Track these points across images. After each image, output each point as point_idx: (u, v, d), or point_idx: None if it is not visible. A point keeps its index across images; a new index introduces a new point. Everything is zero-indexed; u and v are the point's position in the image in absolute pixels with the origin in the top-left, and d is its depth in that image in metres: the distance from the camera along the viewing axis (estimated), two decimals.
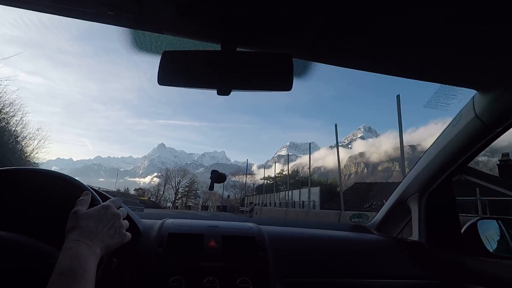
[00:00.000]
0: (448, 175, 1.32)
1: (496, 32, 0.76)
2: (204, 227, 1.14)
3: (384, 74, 1.03)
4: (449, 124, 1.25)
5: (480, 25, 0.74)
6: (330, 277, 1.11)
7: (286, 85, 0.79)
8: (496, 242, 1.27)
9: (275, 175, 48.70)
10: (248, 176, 58.38)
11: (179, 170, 71.09)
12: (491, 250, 1.23)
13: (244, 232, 1.15)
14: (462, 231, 1.32)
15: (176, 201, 63.12)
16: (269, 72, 0.80)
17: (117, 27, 0.81)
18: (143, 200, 46.89)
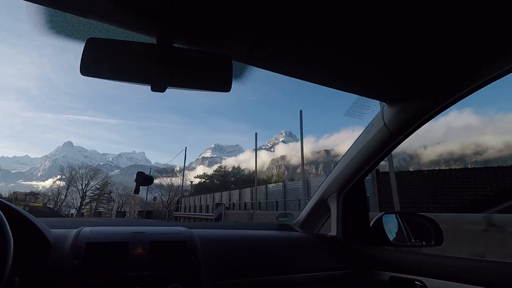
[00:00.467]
0: (361, 176, 1.50)
1: (401, 52, 0.92)
2: (129, 234, 1.06)
3: (313, 82, 1.11)
4: (363, 131, 1.43)
5: (389, 45, 0.88)
6: (260, 275, 1.15)
7: (224, 86, 0.78)
8: (395, 233, 1.49)
9: (213, 173, 44.23)
10: (173, 177, 49.20)
11: (89, 169, 57.37)
12: (392, 240, 1.44)
13: (174, 237, 1.11)
14: (370, 225, 1.51)
15: (83, 207, 49.74)
16: (208, 72, 0.78)
17: (29, 2, 0.70)
18: (35, 207, 37.29)
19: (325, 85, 1.15)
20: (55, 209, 45.79)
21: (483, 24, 0.78)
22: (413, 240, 1.50)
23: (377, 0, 0.70)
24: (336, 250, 1.39)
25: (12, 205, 0.90)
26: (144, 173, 1.16)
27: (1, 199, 0.86)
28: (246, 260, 1.17)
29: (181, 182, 38.30)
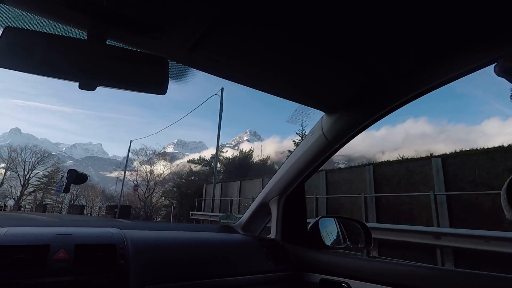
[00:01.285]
0: (301, 181, 1.55)
1: (337, 65, 0.96)
2: (52, 236, 0.99)
3: (255, 88, 1.12)
4: (305, 138, 1.48)
5: (325, 61, 0.92)
6: (194, 279, 1.12)
7: (160, 88, 0.75)
8: (332, 236, 1.57)
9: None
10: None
11: (35, 152, 44.46)
12: (328, 244, 1.51)
13: (103, 240, 1.05)
14: (308, 228, 1.57)
15: (24, 198, 39.32)
16: (143, 73, 0.74)
17: None
18: None
19: (266, 92, 1.16)
20: None
21: (418, 29, 0.81)
22: (348, 243, 1.58)
23: (316, 3, 0.72)
24: (273, 252, 1.41)
25: None
26: (76, 170, 1.10)
27: None
28: (181, 263, 1.13)
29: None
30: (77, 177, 1.12)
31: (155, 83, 0.75)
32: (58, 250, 0.94)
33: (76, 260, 0.94)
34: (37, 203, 38.50)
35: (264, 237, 1.63)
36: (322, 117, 1.37)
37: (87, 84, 0.73)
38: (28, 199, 39.71)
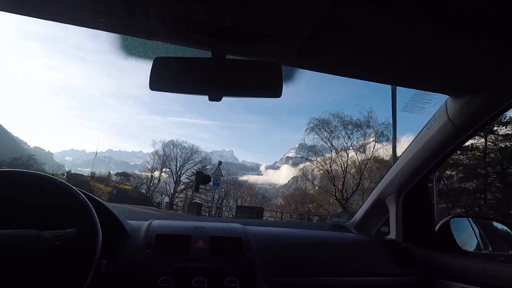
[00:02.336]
0: (423, 175, 1.39)
1: (467, 41, 0.83)
2: (191, 228, 1.16)
3: (365, 80, 1.09)
4: (424, 127, 1.32)
5: (452, 35, 0.81)
6: (312, 275, 1.14)
7: (275, 92, 0.81)
8: (467, 239, 1.33)
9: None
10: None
11: (185, 148, 42.16)
12: (462, 247, 1.30)
13: (230, 233, 1.18)
14: (436, 229, 1.38)
15: (177, 195, 37.93)
16: (259, 80, 0.81)
17: (107, 33, 0.83)
18: (124, 189, 32.49)
19: (379, 81, 1.09)
20: (147, 194, 37.84)
21: None
22: (490, 249, 1.31)
23: None
24: (395, 254, 1.30)
25: (98, 198, 1.05)
26: (202, 172, 1.32)
27: (87, 192, 0.97)
28: (299, 259, 1.18)
29: None
30: (203, 179, 1.27)
31: (270, 88, 0.81)
32: (197, 240, 1.09)
33: (211, 250, 1.07)
34: (188, 201, 37.58)
35: (383, 237, 1.53)
36: (446, 101, 1.20)
37: (215, 96, 0.82)
38: (180, 197, 38.83)
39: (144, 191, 38.31)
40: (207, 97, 0.83)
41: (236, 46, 0.81)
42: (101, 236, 0.84)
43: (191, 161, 40.39)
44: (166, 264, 1.00)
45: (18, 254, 0.75)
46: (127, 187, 35.87)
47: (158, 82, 0.80)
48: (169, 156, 40.86)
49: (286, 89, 0.88)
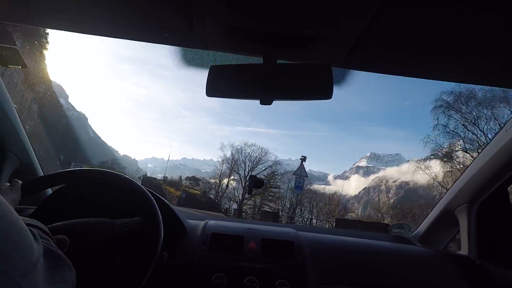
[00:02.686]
0: (502, 183, 1.19)
1: None
2: (244, 229, 1.19)
3: (426, 78, 0.95)
4: (502, 128, 1.14)
5: None
6: (368, 287, 1.09)
7: (326, 94, 0.80)
8: None
9: None
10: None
11: (254, 150, 38.01)
12: None
13: (283, 236, 1.18)
14: None
15: (245, 202, 34.33)
16: (309, 82, 0.82)
17: (167, 45, 0.89)
18: (193, 193, 31.74)
19: (439, 79, 0.95)
20: (216, 200, 35.42)
21: None
22: None
23: None
24: (468, 272, 1.16)
25: (162, 197, 1.13)
26: (255, 176, 1.34)
27: (154, 193, 1.06)
28: (355, 269, 1.13)
29: None
30: (256, 182, 1.28)
31: (321, 90, 0.81)
32: (250, 241, 1.12)
33: (263, 251, 1.10)
34: (257, 209, 33.00)
35: (453, 252, 1.36)
36: None
37: (266, 100, 0.85)
38: (248, 204, 34.72)
39: (212, 197, 36.51)
40: (259, 101, 0.86)
41: (286, 51, 0.82)
42: (162, 226, 0.91)
43: (261, 165, 36.49)
44: (220, 262, 1.05)
45: (95, 241, 0.84)
46: (196, 191, 34.44)
47: (214, 88, 0.85)
48: (238, 160, 37.46)
49: (338, 91, 0.88)
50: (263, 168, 36.29)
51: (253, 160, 37.06)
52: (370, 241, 1.33)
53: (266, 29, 0.73)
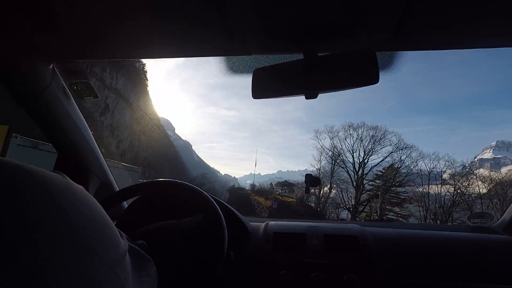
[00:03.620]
0: None
1: None
2: (305, 227, 1.21)
3: (478, 47, 0.85)
4: None
5: None
6: (447, 279, 1.04)
7: (372, 79, 0.77)
8: None
9: None
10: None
11: (368, 128, 25.38)
12: None
13: (345, 232, 1.18)
14: None
15: (362, 207, 23.84)
16: (353, 70, 0.79)
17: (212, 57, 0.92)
18: (286, 201, 25.15)
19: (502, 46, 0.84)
20: (318, 208, 26.28)
21: None
22: None
23: None
24: None
25: (226, 204, 1.18)
26: (311, 174, 1.23)
27: (215, 197, 1.09)
28: (428, 260, 1.09)
29: None
30: (313, 181, 1.22)
31: (366, 76, 0.77)
32: (312, 238, 1.14)
33: (327, 247, 1.11)
34: (376, 216, 23.32)
35: None
36: None
37: (311, 94, 0.84)
38: (364, 212, 24.40)
39: (313, 204, 27.36)
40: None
41: (325, 42, 0.81)
42: (225, 224, 0.95)
43: (377, 153, 24.43)
44: (285, 259, 1.09)
45: (168, 240, 0.90)
46: (290, 199, 27.16)
47: (260, 91, 0.86)
48: (341, 150, 25.62)
49: (385, 75, 0.90)
50: (381, 157, 24.40)
51: (366, 147, 25.43)
52: (444, 233, 1.26)
53: (302, 23, 0.73)
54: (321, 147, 28.67)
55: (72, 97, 1.11)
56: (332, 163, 27.49)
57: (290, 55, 0.90)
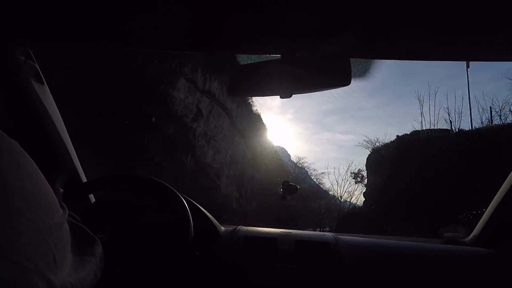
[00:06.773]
0: None
1: None
2: (277, 233, 1.21)
3: (448, 60, 0.91)
4: None
5: None
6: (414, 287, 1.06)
7: (344, 81, 0.79)
8: None
9: None
10: None
11: None
12: None
13: (317, 238, 1.18)
14: None
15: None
16: (328, 73, 0.82)
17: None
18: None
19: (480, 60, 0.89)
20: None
21: None
22: None
23: None
24: None
25: (200, 206, 1.18)
26: (288, 181, 1.19)
27: (188, 198, 1.09)
28: (401, 271, 1.08)
29: None
30: (289, 189, 1.22)
31: (339, 79, 0.80)
32: (284, 243, 1.12)
33: (298, 252, 1.09)
34: None
35: None
36: None
37: (285, 94, 0.86)
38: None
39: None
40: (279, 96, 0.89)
41: (304, 45, 0.83)
42: (192, 223, 0.95)
43: None
44: (254, 263, 1.07)
45: (129, 236, 0.93)
46: None
47: (236, 88, 0.91)
48: None
49: (357, 79, 0.89)
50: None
51: None
52: (417, 243, 1.27)
53: (282, 27, 0.75)
54: None
55: (46, 83, 1.04)
56: None
57: (269, 56, 0.93)
